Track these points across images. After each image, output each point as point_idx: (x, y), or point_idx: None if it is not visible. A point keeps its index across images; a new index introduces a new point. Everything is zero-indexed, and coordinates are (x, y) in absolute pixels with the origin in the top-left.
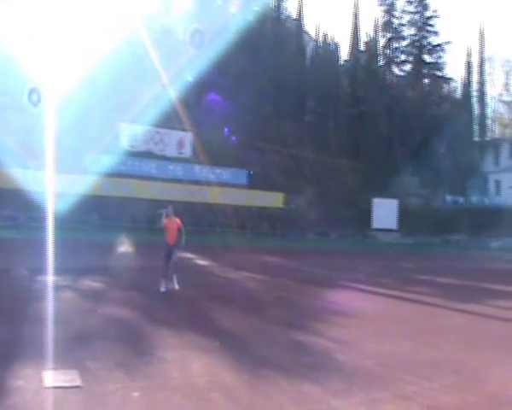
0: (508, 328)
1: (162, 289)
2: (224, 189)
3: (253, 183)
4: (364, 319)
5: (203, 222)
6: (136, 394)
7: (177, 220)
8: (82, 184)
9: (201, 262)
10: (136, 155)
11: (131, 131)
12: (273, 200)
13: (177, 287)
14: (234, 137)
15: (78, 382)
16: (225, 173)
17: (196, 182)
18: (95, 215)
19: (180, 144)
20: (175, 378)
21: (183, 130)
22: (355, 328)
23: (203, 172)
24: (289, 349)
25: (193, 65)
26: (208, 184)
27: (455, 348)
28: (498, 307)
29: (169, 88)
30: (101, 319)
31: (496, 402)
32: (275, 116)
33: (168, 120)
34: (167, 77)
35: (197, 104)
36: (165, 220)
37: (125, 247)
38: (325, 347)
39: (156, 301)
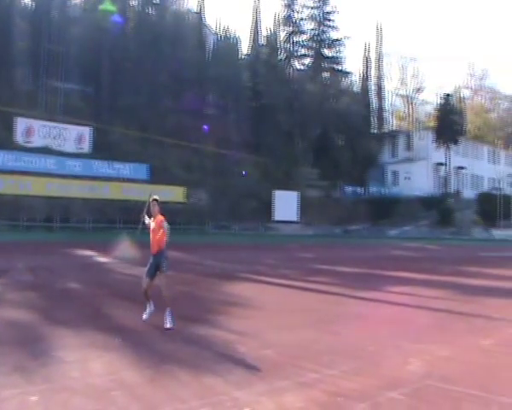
0: (403, 312)
1: (144, 315)
2: (125, 184)
3: (154, 177)
4: (266, 310)
5: (103, 218)
6: (33, 398)
7: (161, 218)
8: None
9: (102, 259)
10: (32, 150)
11: (27, 126)
12: (174, 194)
13: (168, 325)
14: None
15: None
16: (125, 168)
17: (96, 178)
18: None
19: (79, 139)
20: (75, 379)
21: (83, 124)
22: (256, 319)
23: (103, 167)
24: (191, 343)
25: (91, 57)
26: (108, 179)
27: (355, 334)
28: (395, 292)
29: (68, 81)
30: None
31: (393, 384)
32: (174, 109)
33: (67, 115)
34: (66, 69)
35: (97, 98)
36: (147, 219)
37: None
38: (226, 339)
39: (54, 300)
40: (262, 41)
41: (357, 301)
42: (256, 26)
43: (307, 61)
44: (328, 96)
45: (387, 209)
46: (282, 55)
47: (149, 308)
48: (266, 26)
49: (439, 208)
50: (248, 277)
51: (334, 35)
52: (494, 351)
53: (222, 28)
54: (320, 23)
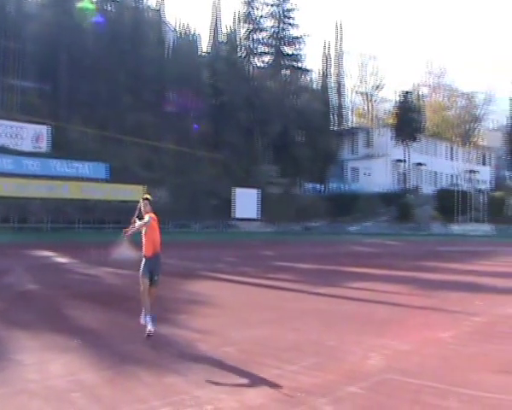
0: (362, 307)
1: (148, 326)
2: (84, 183)
3: (114, 176)
4: (227, 307)
5: (62, 219)
6: None
7: (154, 217)
8: None
9: (61, 260)
10: None
11: None
12: (133, 193)
13: (149, 327)
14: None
15: None
16: (84, 167)
17: (55, 177)
18: None
19: (37, 138)
20: (34, 382)
21: (40, 123)
22: (218, 317)
23: (61, 166)
24: (151, 343)
25: (48, 54)
26: (67, 178)
27: (315, 330)
28: (355, 288)
29: (25, 79)
30: None
31: (353, 378)
32: (133, 107)
33: (24, 113)
34: (22, 67)
35: (54, 96)
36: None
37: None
38: (188, 338)
39: (11, 302)
40: (222, 38)
41: (318, 297)
42: (216, 24)
43: (267, 58)
44: (288, 94)
45: (347, 205)
46: (241, 53)
47: (148, 316)
48: (226, 24)
49: (399, 204)
50: (209, 275)
51: (294, 33)
52: (452, 343)
53: (181, 25)
54: (280, 20)
